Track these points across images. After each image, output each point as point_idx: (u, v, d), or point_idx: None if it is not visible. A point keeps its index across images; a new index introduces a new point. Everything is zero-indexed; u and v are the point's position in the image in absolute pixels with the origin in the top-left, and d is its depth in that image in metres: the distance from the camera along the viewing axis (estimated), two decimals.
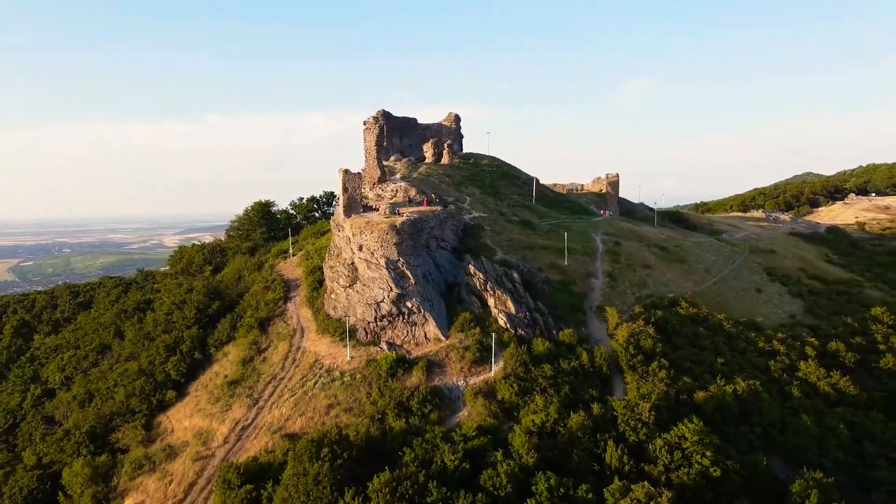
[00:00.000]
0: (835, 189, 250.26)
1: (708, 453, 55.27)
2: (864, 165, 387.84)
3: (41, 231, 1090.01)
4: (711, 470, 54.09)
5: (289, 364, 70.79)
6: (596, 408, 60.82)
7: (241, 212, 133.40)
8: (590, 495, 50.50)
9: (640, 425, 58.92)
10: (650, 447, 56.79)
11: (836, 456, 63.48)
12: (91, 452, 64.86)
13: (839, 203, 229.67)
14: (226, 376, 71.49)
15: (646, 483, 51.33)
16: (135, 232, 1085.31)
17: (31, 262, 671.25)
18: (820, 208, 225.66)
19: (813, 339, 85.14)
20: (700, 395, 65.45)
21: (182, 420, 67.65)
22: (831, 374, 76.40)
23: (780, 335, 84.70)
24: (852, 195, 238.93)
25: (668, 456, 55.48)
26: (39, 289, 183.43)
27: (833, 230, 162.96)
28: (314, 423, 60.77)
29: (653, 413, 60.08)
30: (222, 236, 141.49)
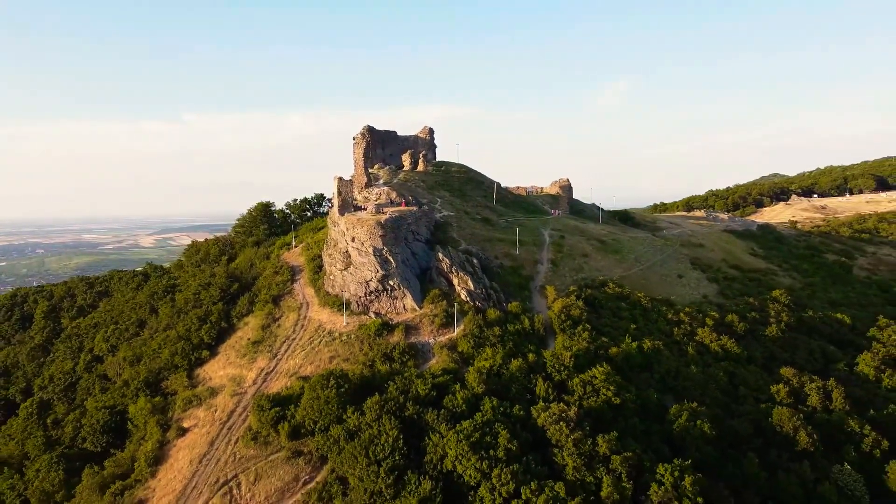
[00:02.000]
0: (780, 191, 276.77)
1: (612, 388, 76.79)
2: (821, 168, 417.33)
3: (13, 231, 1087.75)
4: (613, 399, 75.54)
5: (298, 328, 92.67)
6: (531, 357, 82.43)
7: (218, 211, 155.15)
8: (521, 412, 72.03)
9: (563, 368, 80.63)
10: (570, 384, 78.04)
11: (715, 395, 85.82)
12: (148, 395, 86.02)
13: (781, 203, 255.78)
14: (249, 338, 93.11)
15: (561, 403, 73.41)
16: (110, 232, 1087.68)
17: (3, 263, 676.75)
18: (764, 208, 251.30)
19: (714, 313, 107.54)
20: (613, 350, 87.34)
21: (217, 371, 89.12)
22: (721, 338, 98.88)
23: (687, 309, 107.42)
24: (795, 196, 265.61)
25: (582, 389, 76.94)
26: (10, 288, 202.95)
27: (763, 227, 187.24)
28: (321, 369, 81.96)
29: (573, 360, 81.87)
30: (200, 237, 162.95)
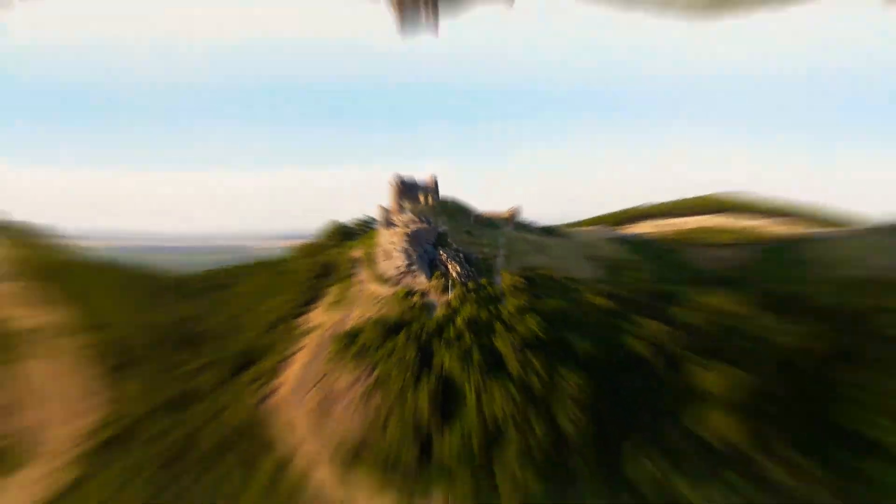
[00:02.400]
0: (647, 214, 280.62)
1: (540, 329, 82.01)
2: (688, 198, 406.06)
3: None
4: (540, 334, 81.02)
5: (359, 294, 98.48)
6: (493, 310, 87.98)
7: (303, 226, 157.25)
8: (487, 341, 77.81)
9: (510, 316, 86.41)
10: (516, 326, 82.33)
11: (602, 333, 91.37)
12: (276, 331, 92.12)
13: (649, 221, 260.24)
14: (332, 300, 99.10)
15: (509, 336, 79.13)
16: (237, 240, 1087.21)
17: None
18: (636, 224, 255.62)
19: (601, 286, 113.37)
20: (541, 306, 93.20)
21: (315, 319, 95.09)
22: (603, 299, 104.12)
23: (584, 285, 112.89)
24: (658, 218, 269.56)
25: (523, 328, 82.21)
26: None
27: (633, 236, 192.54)
28: (373, 316, 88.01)
29: (518, 311, 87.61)
30: (296, 243, 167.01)
